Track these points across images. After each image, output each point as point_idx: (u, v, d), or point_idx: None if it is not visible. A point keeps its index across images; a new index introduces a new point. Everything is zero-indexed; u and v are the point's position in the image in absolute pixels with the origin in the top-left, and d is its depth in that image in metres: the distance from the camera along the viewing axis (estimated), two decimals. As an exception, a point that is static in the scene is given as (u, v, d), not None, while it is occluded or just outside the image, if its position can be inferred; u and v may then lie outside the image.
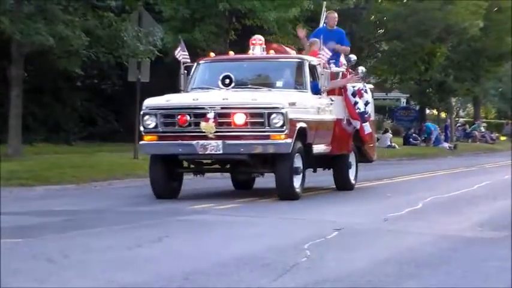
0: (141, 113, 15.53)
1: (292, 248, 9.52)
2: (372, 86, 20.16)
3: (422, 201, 15.23)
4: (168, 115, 15.36)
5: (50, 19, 23.70)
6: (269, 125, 14.86)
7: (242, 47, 39.97)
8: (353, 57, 19.13)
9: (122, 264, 8.47)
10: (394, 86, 54.51)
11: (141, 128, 15.47)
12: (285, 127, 14.80)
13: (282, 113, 14.84)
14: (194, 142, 14.88)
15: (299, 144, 15.35)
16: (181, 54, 17.11)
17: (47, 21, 23.18)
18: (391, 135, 45.10)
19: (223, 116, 14.99)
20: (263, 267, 8.34)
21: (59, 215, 13.16)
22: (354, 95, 17.74)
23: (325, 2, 20.04)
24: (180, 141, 15.10)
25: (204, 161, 16.06)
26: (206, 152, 14.90)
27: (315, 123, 16.29)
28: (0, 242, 9.10)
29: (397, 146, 43.35)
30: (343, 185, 18.05)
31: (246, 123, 14.94)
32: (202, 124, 14.76)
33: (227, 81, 15.80)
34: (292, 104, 15.32)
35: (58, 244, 9.90)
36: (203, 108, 14.99)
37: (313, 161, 16.92)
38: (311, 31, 21.32)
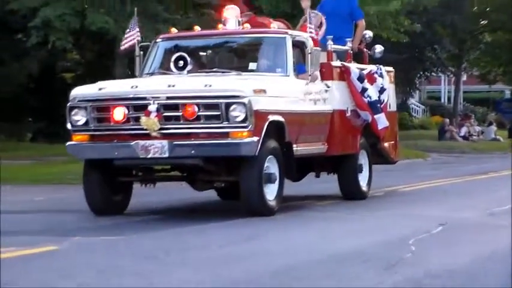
0: (68, 105, 11.63)
1: (397, 243, 9.34)
2: (391, 69, 15.60)
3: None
4: (102, 108, 11.54)
5: (153, 18, 23.98)
6: (227, 119, 11.08)
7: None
8: (368, 33, 15.02)
9: (234, 259, 8.39)
10: (497, 78, 53.64)
11: (68, 125, 11.70)
12: (247, 122, 11.01)
13: (243, 103, 11.00)
14: (133, 143, 11.24)
15: (273, 144, 11.64)
16: (131, 32, 13.32)
17: (149, 20, 23.45)
18: (495, 128, 44.60)
19: (169, 109, 11.28)
20: (364, 261, 8.20)
21: (152, 213, 13.07)
22: (361, 79, 13.74)
23: None
24: (116, 142, 11.47)
25: (155, 167, 12.57)
26: (149, 156, 11.23)
27: (299, 116, 12.41)
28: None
29: (501, 139, 42.80)
30: (350, 192, 14.10)
31: (198, 118, 11.18)
32: (143, 119, 11.11)
33: (181, 63, 11.91)
34: (261, 92, 11.46)
35: (158, 241, 9.83)
36: (144, 98, 11.26)
37: (308, 164, 13.79)
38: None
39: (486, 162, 26.87)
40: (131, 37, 13.23)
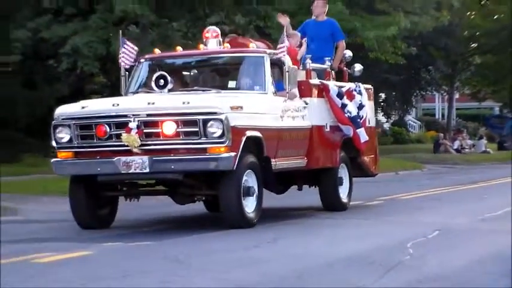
0: (52, 124, 11.11)
1: (396, 247, 9.26)
2: (369, 87, 14.70)
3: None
4: (85, 126, 10.98)
5: (170, 45, 23.97)
6: (205, 135, 10.56)
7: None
8: (348, 53, 14.23)
9: (240, 264, 8.30)
10: (487, 96, 53.71)
11: (53, 143, 11.17)
12: (224, 137, 10.49)
13: (220, 120, 10.48)
14: (115, 159, 10.72)
15: (251, 159, 11.09)
16: (123, 53, 12.50)
17: (167, 47, 23.46)
18: (485, 142, 44.67)
19: (149, 125, 10.74)
20: (365, 264, 8.15)
21: (166, 222, 12.96)
22: (340, 96, 13.01)
23: None
24: (98, 158, 10.94)
25: (139, 182, 11.98)
26: (130, 171, 10.71)
27: (277, 132, 11.76)
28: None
29: (491, 151, 42.82)
30: (331, 204, 13.42)
31: (177, 134, 10.66)
32: (124, 136, 10.55)
33: (161, 82, 11.36)
34: (238, 108, 10.92)
35: (183, 246, 9.77)
36: (125, 116, 10.71)
37: (290, 178, 13.24)
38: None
39: (477, 173, 26.83)
40: (123, 57, 12.49)
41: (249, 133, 10.91)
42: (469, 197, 17.23)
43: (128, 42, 12.58)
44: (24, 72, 26.24)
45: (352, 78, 14.42)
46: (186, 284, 7.33)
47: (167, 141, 10.66)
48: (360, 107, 13.42)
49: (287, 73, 11.76)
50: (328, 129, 13.05)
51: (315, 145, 12.67)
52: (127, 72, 12.51)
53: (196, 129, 10.53)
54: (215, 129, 10.47)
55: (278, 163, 11.77)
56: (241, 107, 10.97)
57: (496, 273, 7.67)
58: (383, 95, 52.73)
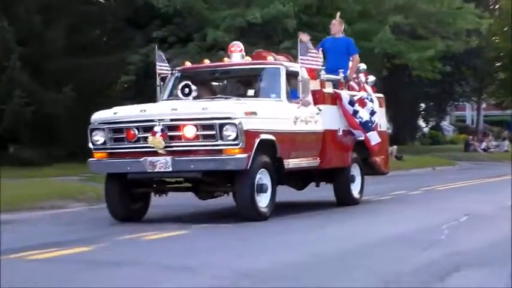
0: (89, 128, 10.50)
1: (434, 228, 9.16)
2: (381, 95, 13.78)
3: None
4: (117, 129, 10.37)
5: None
6: (221, 138, 9.81)
7: (392, 85, 39.73)
8: (362, 65, 13.44)
9: (289, 246, 8.13)
10: (508, 105, 53.03)
11: (90, 145, 10.50)
12: (238, 140, 9.72)
13: (234, 124, 9.73)
14: (142, 159, 10.03)
15: (264, 159, 10.23)
16: (158, 66, 11.82)
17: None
18: (508, 143, 44.13)
19: (172, 129, 10.04)
20: (409, 243, 8.09)
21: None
22: (351, 103, 12.18)
23: (338, 13, 14.24)
24: (128, 159, 10.26)
25: (168, 180, 11.14)
26: (155, 170, 10.05)
27: (290, 135, 10.89)
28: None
29: (512, 151, 42.35)
30: (344, 199, 12.38)
31: (197, 137, 9.92)
32: (150, 139, 9.94)
33: (186, 90, 10.56)
34: (251, 114, 10.12)
35: (265, 227, 9.66)
36: (151, 120, 10.08)
37: (309, 176, 12.33)
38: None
39: (500, 168, 26.38)
40: (160, 70, 11.81)
41: (262, 136, 10.12)
42: (493, 188, 17.01)
43: (163, 57, 12.06)
44: (136, 89, 26.46)
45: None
46: (255, 260, 7.28)
47: (188, 143, 9.95)
48: (372, 113, 12.52)
49: (300, 83, 11.03)
50: (340, 133, 12.17)
51: (328, 147, 11.77)
52: (162, 82, 11.86)
53: (214, 133, 9.81)
54: (230, 133, 9.73)
55: (291, 163, 10.96)
56: (255, 113, 10.20)
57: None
58: (423, 105, 52.34)
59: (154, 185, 10.97)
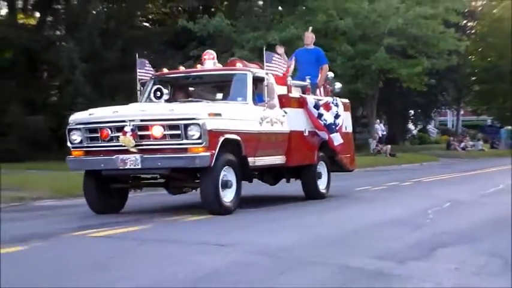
0: (67, 128, 9.49)
1: (421, 213, 9.07)
2: (346, 101, 12.61)
3: (503, 184, 14.09)
4: (92, 129, 9.36)
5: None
6: (186, 137, 8.83)
7: (386, 95, 39.53)
8: (330, 74, 12.57)
9: (295, 228, 7.98)
10: (482, 112, 53.07)
11: (68, 144, 9.50)
12: (202, 139, 8.74)
13: (198, 124, 8.75)
14: (114, 157, 9.06)
15: (229, 157, 9.24)
16: (139, 72, 10.75)
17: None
18: (482, 143, 43.94)
19: (142, 129, 9.03)
20: (401, 225, 7.99)
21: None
22: (316, 107, 11.18)
23: (311, 28, 13.47)
24: (101, 156, 9.26)
25: (142, 176, 9.97)
26: (126, 167, 9.01)
27: (255, 135, 9.84)
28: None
29: (485, 149, 42.11)
30: (311, 194, 11.35)
31: (164, 136, 8.94)
32: (121, 138, 8.97)
33: (158, 94, 9.88)
34: (215, 115, 9.10)
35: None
36: (123, 121, 9.06)
37: (280, 173, 11.23)
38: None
39: (476, 164, 26.26)
40: (140, 76, 10.78)
41: (226, 136, 9.11)
42: (471, 180, 16.80)
43: (147, 64, 10.91)
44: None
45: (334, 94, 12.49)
46: (275, 238, 7.19)
47: (156, 142, 8.93)
48: (337, 116, 11.53)
49: (266, 87, 10.04)
50: (306, 133, 11.14)
51: (293, 146, 10.74)
52: (142, 87, 10.79)
53: (179, 132, 8.82)
54: (194, 132, 8.75)
55: (257, 161, 9.98)
56: (219, 114, 9.18)
57: (490, 231, 7.52)
58: (412, 111, 52.08)
59: (130, 181, 9.91)
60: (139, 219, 8.71)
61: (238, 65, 10.90)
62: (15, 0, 34.09)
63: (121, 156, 8.96)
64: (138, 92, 10.82)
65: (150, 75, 10.85)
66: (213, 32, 26.96)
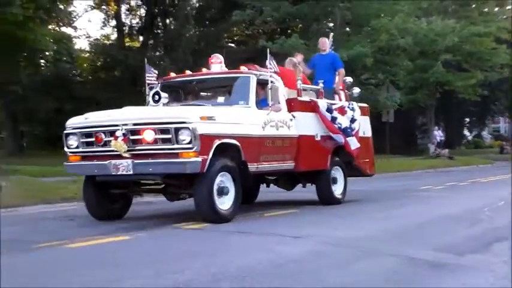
0: (64, 133, 8.26)
1: (478, 210, 8.75)
2: (365, 105, 11.22)
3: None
4: (87, 134, 8.09)
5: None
6: (177, 142, 7.47)
7: (444, 105, 38.64)
8: (348, 78, 11.03)
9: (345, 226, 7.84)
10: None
11: (65, 149, 8.27)
12: (192, 144, 7.40)
13: (188, 128, 7.41)
14: (107, 162, 7.77)
15: (226, 162, 7.85)
16: (147, 76, 9.54)
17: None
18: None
19: (135, 133, 7.68)
20: (460, 220, 7.74)
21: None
22: (329, 111, 9.82)
23: (332, 33, 12.41)
24: (95, 162, 7.98)
25: (143, 181, 8.55)
26: (118, 173, 7.72)
27: (258, 139, 8.44)
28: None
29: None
30: (326, 199, 9.89)
31: (155, 140, 7.58)
32: (112, 142, 7.70)
33: (156, 97, 8.36)
34: (208, 118, 7.70)
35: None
36: (116, 125, 7.74)
37: (296, 178, 9.89)
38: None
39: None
40: (148, 80, 9.56)
41: (222, 140, 7.75)
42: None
43: (152, 69, 9.71)
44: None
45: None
46: (334, 235, 7.07)
47: (148, 147, 7.60)
48: (352, 120, 10.23)
49: (270, 90, 8.72)
50: (318, 138, 9.71)
51: (303, 151, 9.31)
52: (150, 91, 9.04)
53: (170, 137, 7.49)
54: (185, 137, 7.42)
55: (261, 166, 8.57)
56: (213, 118, 7.79)
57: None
58: (467, 119, 50.82)
59: (129, 187, 8.55)
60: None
61: (243, 68, 9.31)
62: (123, 26, 35.15)
63: (114, 162, 7.71)
64: (147, 97, 9.33)
65: (156, 80, 9.62)
66: (289, 50, 27.00)
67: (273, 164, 8.80)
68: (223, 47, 28.78)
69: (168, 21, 36.48)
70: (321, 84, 10.17)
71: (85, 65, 33.87)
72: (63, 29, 30.91)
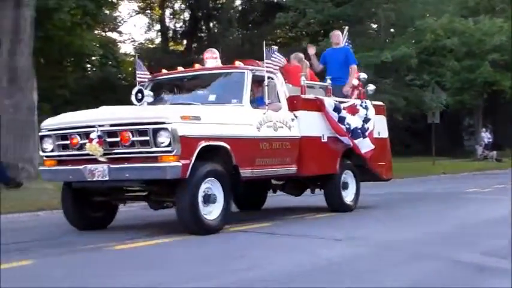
0: (39, 135, 7.49)
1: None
2: (381, 104, 10.28)
3: None
4: (62, 136, 7.22)
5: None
6: (155, 145, 6.62)
7: (491, 106, 37.90)
8: (362, 75, 9.99)
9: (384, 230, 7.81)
10: None
11: (41, 153, 7.48)
12: (172, 146, 6.54)
13: (167, 129, 6.56)
14: (82, 167, 6.95)
15: (213, 167, 6.94)
16: (138, 73, 8.72)
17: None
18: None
19: (112, 135, 6.84)
20: (506, 223, 7.42)
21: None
22: (337, 110, 8.87)
23: (347, 27, 10.98)
24: (70, 166, 7.13)
25: (125, 188, 7.56)
26: (94, 179, 6.89)
27: (252, 141, 7.55)
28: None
29: None
30: (335, 206, 9.01)
31: (133, 143, 6.74)
32: (87, 145, 6.86)
33: (139, 96, 7.44)
34: (190, 118, 6.81)
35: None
36: (92, 126, 6.89)
37: (304, 183, 9.17)
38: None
39: None
40: (139, 78, 8.72)
41: (207, 142, 6.86)
42: None
43: (142, 66, 8.92)
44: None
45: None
46: (377, 237, 7.02)
47: (125, 150, 6.76)
48: (366, 120, 9.31)
49: (266, 87, 7.76)
50: (325, 139, 8.78)
51: (307, 154, 8.38)
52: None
53: (148, 139, 6.65)
54: (164, 139, 6.58)
55: (256, 171, 7.64)
56: (198, 117, 6.91)
57: None
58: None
59: (110, 194, 7.63)
60: (270, 217, 8.75)
61: (238, 63, 8.28)
62: (167, 30, 35.61)
63: (89, 167, 6.91)
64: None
65: (147, 77, 8.78)
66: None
67: (271, 168, 7.91)
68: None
69: (211, 24, 36.85)
70: (329, 81, 9.30)
71: (130, 68, 34.45)
72: (109, 33, 31.51)
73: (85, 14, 20.28)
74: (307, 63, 9.69)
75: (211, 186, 6.96)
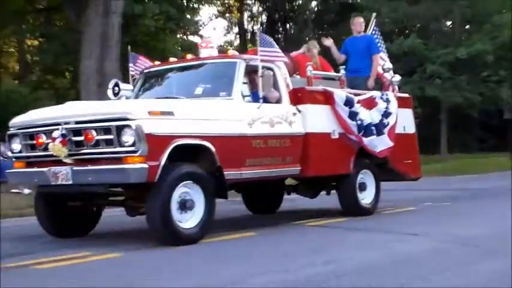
0: (7, 134, 6.51)
1: None
2: (406, 96, 9.10)
3: None
4: (30, 135, 6.31)
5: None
6: (120, 144, 5.61)
7: None
8: (387, 64, 8.83)
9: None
10: None
11: (9, 153, 6.59)
12: (136, 146, 5.53)
13: (131, 126, 5.53)
14: (46, 169, 6.01)
15: (191, 169, 5.91)
16: (130, 66, 7.90)
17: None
18: None
19: (77, 134, 5.86)
20: None
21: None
22: (349, 104, 7.65)
23: (374, 13, 9.53)
24: (36, 169, 6.20)
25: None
26: (58, 182, 5.92)
27: (242, 139, 6.46)
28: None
29: None
30: (350, 208, 7.92)
31: (98, 142, 5.75)
32: (50, 145, 5.90)
33: (116, 90, 6.59)
34: (161, 114, 5.78)
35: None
36: (58, 124, 5.93)
37: (319, 184, 8.04)
38: None
39: None
40: (132, 72, 7.96)
41: (182, 141, 5.86)
42: None
43: (140, 58, 8.06)
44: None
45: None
46: (453, 232, 6.80)
47: (90, 151, 5.83)
48: (386, 114, 8.09)
49: (260, 78, 6.72)
50: (336, 136, 7.64)
51: (313, 152, 7.29)
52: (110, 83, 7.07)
53: (112, 137, 5.69)
54: (128, 137, 5.60)
55: (247, 172, 6.59)
56: (170, 113, 5.90)
57: None
58: None
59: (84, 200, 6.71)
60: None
61: (230, 52, 7.32)
62: (245, 32, 35.90)
63: (53, 169, 6.01)
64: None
65: (141, 70, 7.86)
66: (408, 50, 26.51)
67: (266, 168, 6.83)
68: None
69: (288, 26, 36.92)
70: (343, 71, 8.19)
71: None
72: (190, 37, 32.04)
73: (168, 19, 20.70)
74: (315, 51, 8.55)
75: (189, 190, 5.95)
